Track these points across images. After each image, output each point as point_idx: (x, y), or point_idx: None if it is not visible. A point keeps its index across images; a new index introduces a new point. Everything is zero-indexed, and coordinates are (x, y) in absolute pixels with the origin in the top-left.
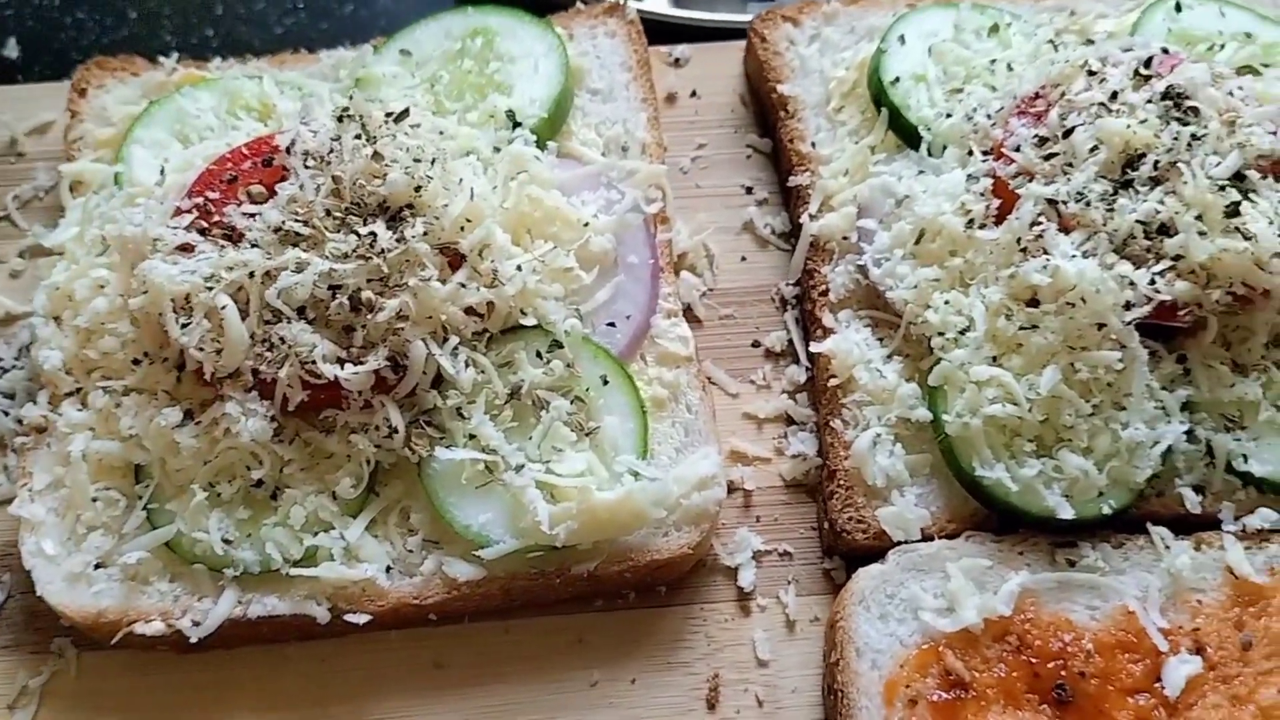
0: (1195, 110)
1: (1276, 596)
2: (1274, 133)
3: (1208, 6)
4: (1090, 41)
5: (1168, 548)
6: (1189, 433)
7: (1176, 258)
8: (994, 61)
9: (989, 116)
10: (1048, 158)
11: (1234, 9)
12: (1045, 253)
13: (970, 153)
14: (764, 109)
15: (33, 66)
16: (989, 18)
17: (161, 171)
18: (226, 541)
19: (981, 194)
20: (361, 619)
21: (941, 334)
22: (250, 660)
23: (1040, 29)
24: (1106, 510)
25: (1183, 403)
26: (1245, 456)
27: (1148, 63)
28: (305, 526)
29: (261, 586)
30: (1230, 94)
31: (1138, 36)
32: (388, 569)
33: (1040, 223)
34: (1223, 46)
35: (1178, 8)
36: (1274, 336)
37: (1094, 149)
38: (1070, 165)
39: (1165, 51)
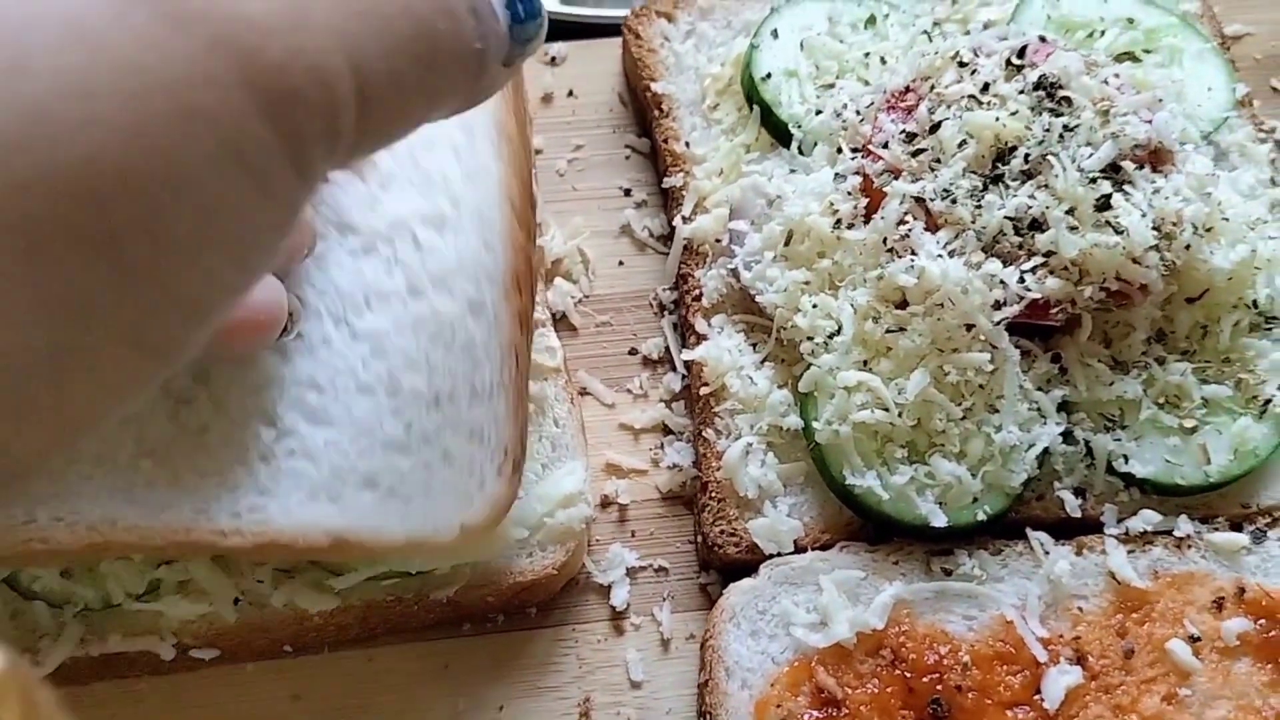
0: (1069, 100)
1: (1160, 601)
2: (1149, 121)
3: None
4: (969, 32)
5: (1047, 553)
6: (1067, 434)
7: (1048, 254)
8: (868, 55)
9: (858, 112)
10: (916, 154)
11: None
12: (912, 253)
13: (839, 150)
14: (642, 108)
15: None
16: (865, 9)
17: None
18: (65, 575)
19: (849, 193)
20: (209, 654)
21: (811, 338)
22: (103, 697)
23: (919, 19)
24: (981, 516)
25: (1060, 403)
26: (1126, 457)
27: (1020, 52)
28: (147, 559)
29: (105, 622)
30: (1105, 82)
31: (1013, 25)
32: (235, 601)
33: (906, 221)
34: (1103, 33)
35: None
36: (1156, 333)
37: (962, 144)
38: (939, 161)
39: (1043, 40)
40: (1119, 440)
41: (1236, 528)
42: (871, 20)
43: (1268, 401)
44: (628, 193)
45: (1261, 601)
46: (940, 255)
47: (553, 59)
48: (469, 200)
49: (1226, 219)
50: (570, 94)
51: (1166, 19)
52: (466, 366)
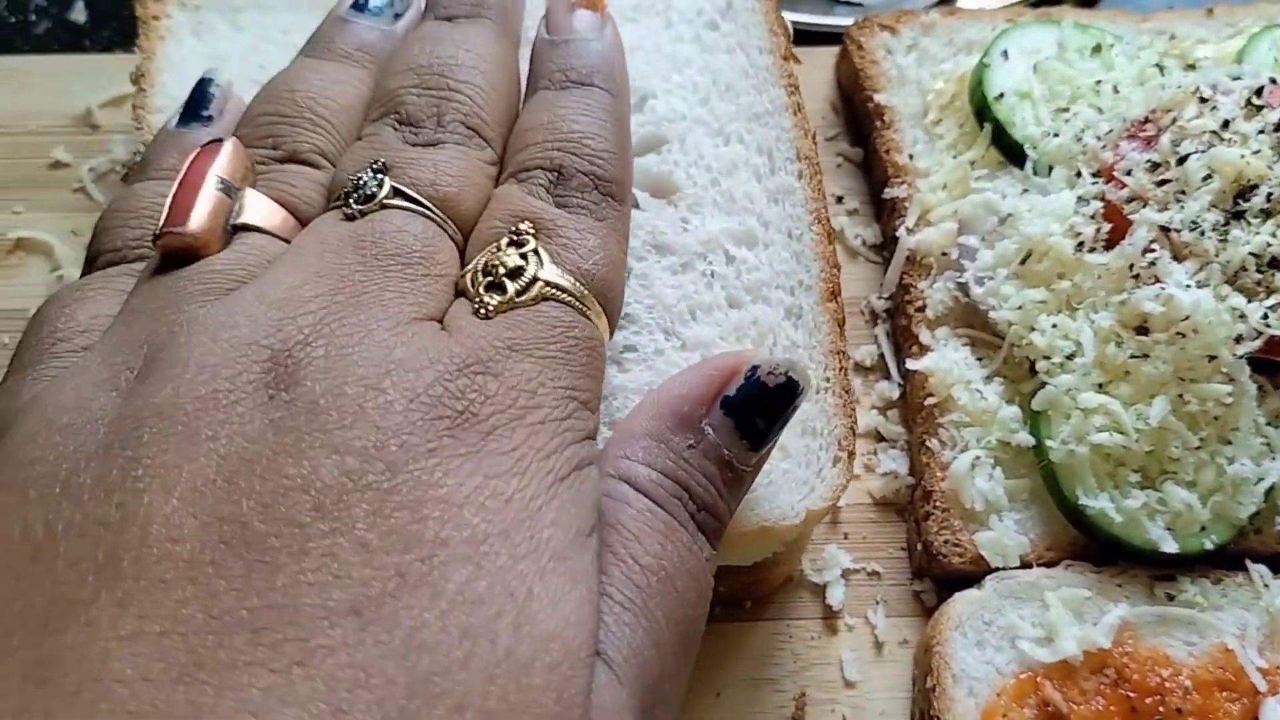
0: None
1: None
2: None
3: None
4: (1192, 66)
5: (1266, 586)
6: None
7: None
8: (1099, 82)
9: (1098, 138)
10: (1160, 184)
11: None
12: (1158, 280)
13: (1079, 174)
14: (857, 117)
15: (101, 31)
16: (1091, 37)
17: None
18: None
19: (1092, 216)
20: None
21: (1047, 358)
22: None
23: (1143, 51)
24: (1208, 545)
25: None
26: None
27: (1258, 92)
28: None
29: None
30: None
31: (1246, 65)
32: None
33: (1153, 249)
34: None
35: None
36: None
37: (1207, 178)
38: (1183, 193)
39: (1273, 82)
40: None
41: None
42: (1098, 48)
43: None
44: (840, 200)
45: None
46: (1189, 285)
47: None
48: (776, 218)
49: None
50: None
51: None
52: None
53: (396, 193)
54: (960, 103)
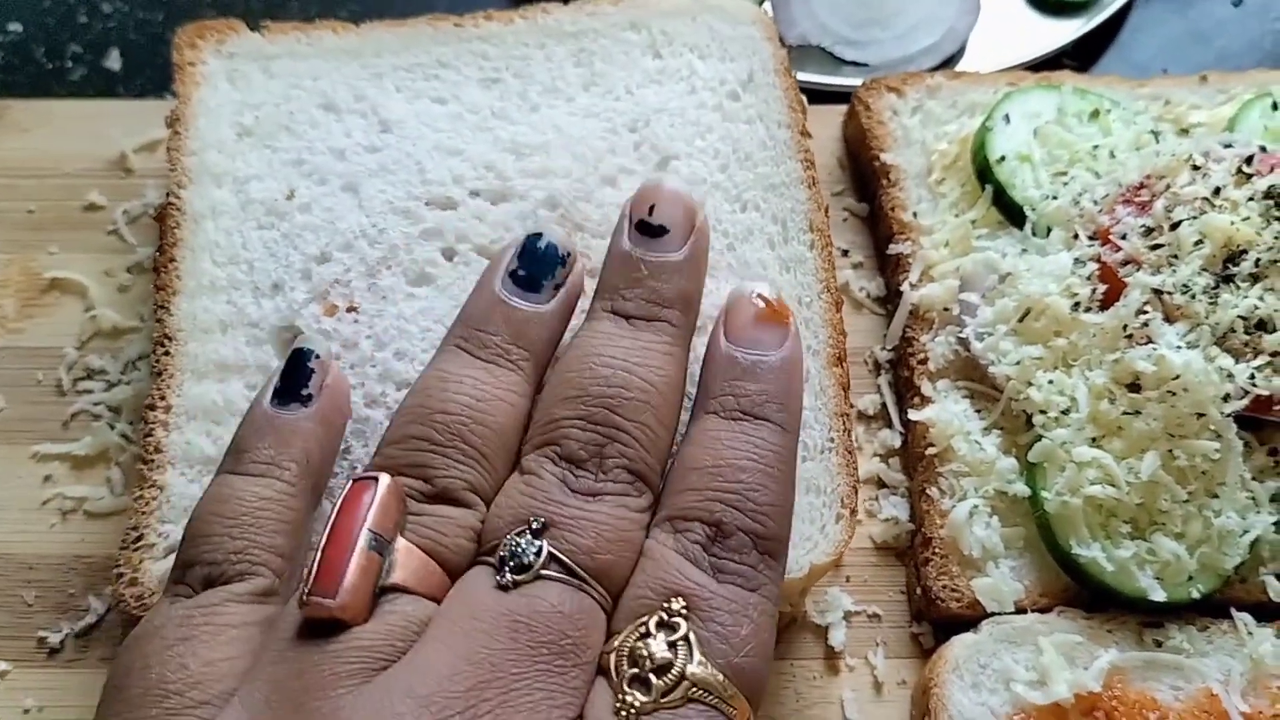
0: None
1: None
2: None
3: None
4: (1185, 131)
5: (1250, 633)
6: (1276, 523)
7: (1274, 354)
8: (1096, 147)
9: (1095, 202)
10: (1154, 248)
11: None
12: (1150, 340)
13: (1076, 236)
14: (863, 174)
15: (135, 79)
16: (1089, 102)
17: None
18: None
19: (1088, 278)
20: None
21: (1044, 412)
22: None
23: (1139, 116)
24: (1195, 594)
25: (1273, 495)
26: None
27: (1249, 160)
28: None
29: None
30: None
31: (1237, 134)
32: None
33: (1146, 311)
34: None
35: (1275, 106)
36: None
37: (1198, 243)
38: (1175, 257)
39: (1264, 150)
40: None
41: None
42: (1096, 114)
43: None
44: (845, 253)
45: None
46: (1180, 346)
47: None
48: (787, 286)
49: None
50: None
51: None
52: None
53: (553, 558)
54: (963, 163)
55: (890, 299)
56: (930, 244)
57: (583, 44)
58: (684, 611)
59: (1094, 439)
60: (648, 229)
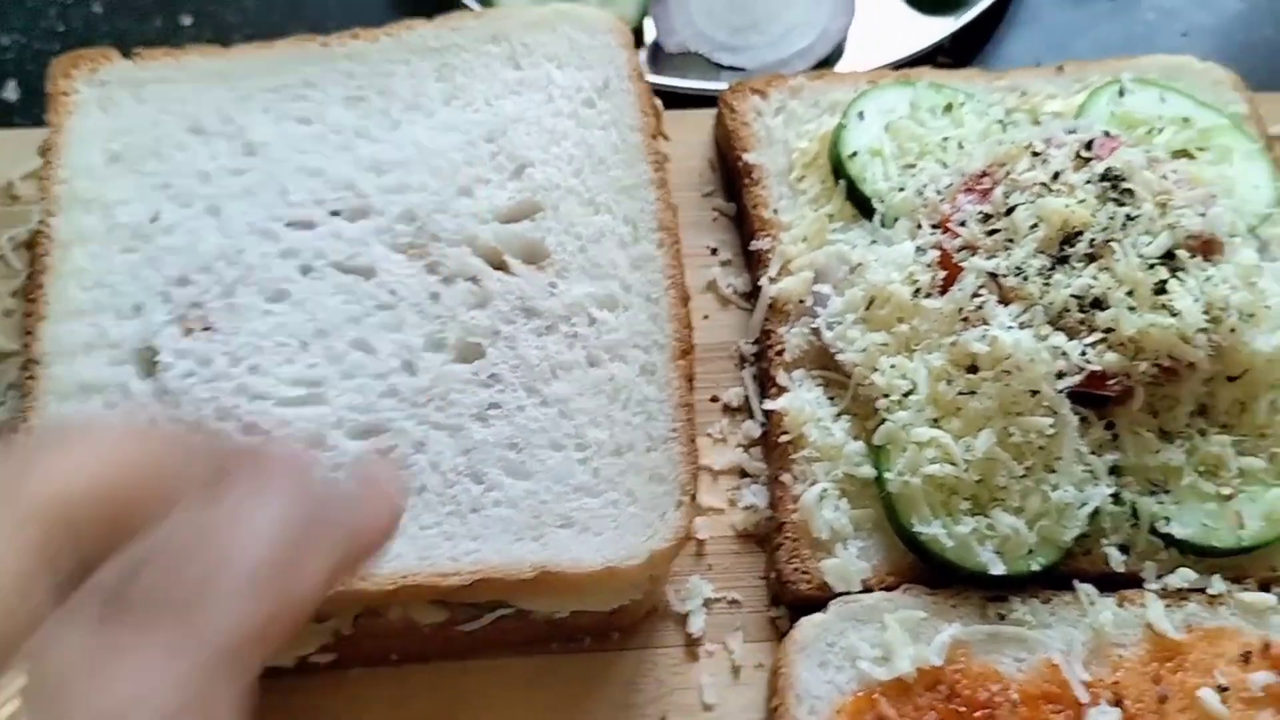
0: (1131, 192)
1: (1192, 653)
2: (1203, 214)
3: (1149, 92)
4: (1039, 121)
5: (1092, 604)
6: (1116, 495)
7: (1107, 330)
8: (946, 139)
9: (938, 192)
10: (991, 233)
11: (1174, 95)
12: (985, 323)
13: (920, 225)
14: (731, 174)
15: (31, 109)
16: (944, 96)
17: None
18: None
19: (928, 265)
20: (325, 658)
21: (887, 396)
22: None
23: (992, 108)
24: (1035, 567)
25: (1111, 467)
26: (1167, 519)
27: (1089, 145)
28: None
29: None
30: (1164, 177)
31: (1082, 119)
32: (356, 618)
33: (980, 294)
34: (1161, 130)
35: (1121, 93)
36: (1200, 406)
37: (1034, 226)
38: (1011, 241)
39: (1108, 135)
40: (1162, 503)
41: (1265, 588)
42: (949, 107)
43: None
44: (714, 251)
45: None
46: (1011, 326)
47: None
48: (636, 283)
49: (1269, 306)
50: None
51: (1218, 120)
52: (643, 420)
53: None
54: (822, 160)
55: (755, 294)
56: (789, 239)
57: (446, 58)
58: None
59: (935, 420)
60: None
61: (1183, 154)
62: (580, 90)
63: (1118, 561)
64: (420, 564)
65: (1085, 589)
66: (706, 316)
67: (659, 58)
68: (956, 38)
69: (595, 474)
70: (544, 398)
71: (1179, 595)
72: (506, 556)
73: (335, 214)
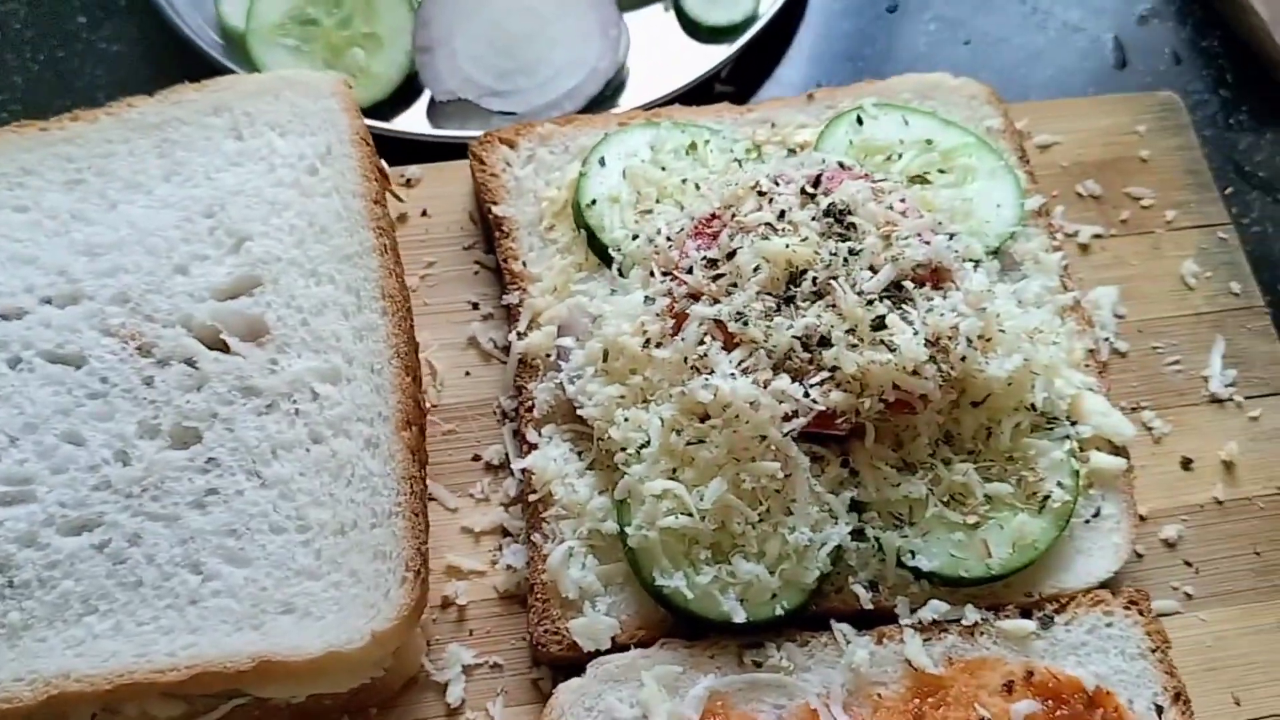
0: (854, 226)
1: (954, 686)
2: (927, 243)
3: (892, 116)
4: (793, 151)
5: (849, 643)
6: (860, 532)
7: (834, 369)
8: (685, 181)
9: (669, 239)
10: (716, 278)
11: (918, 116)
12: (711, 371)
13: (652, 274)
14: (488, 227)
15: None
16: (689, 135)
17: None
18: None
19: (658, 314)
20: None
21: (624, 449)
22: None
23: (737, 144)
24: (779, 611)
25: (854, 503)
26: (913, 552)
27: (816, 180)
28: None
29: None
30: (890, 208)
31: (816, 153)
32: (93, 716)
33: (705, 342)
34: (900, 155)
35: (859, 120)
36: (945, 434)
37: (758, 268)
38: (735, 285)
39: (843, 166)
40: (906, 537)
41: (1027, 615)
42: (694, 146)
43: (1046, 497)
44: (475, 306)
45: (1049, 684)
46: (733, 374)
47: (408, 180)
48: (360, 354)
49: (1004, 330)
50: (424, 213)
51: (964, 139)
52: (366, 496)
53: None
54: (570, 209)
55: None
56: (538, 291)
57: (166, 134)
58: None
59: (673, 471)
60: None
61: (919, 179)
62: (303, 158)
63: (865, 599)
64: (137, 661)
65: (842, 628)
66: (468, 373)
67: (434, 108)
68: (739, 68)
69: (317, 556)
70: (264, 480)
71: (937, 628)
72: (224, 649)
73: (46, 301)
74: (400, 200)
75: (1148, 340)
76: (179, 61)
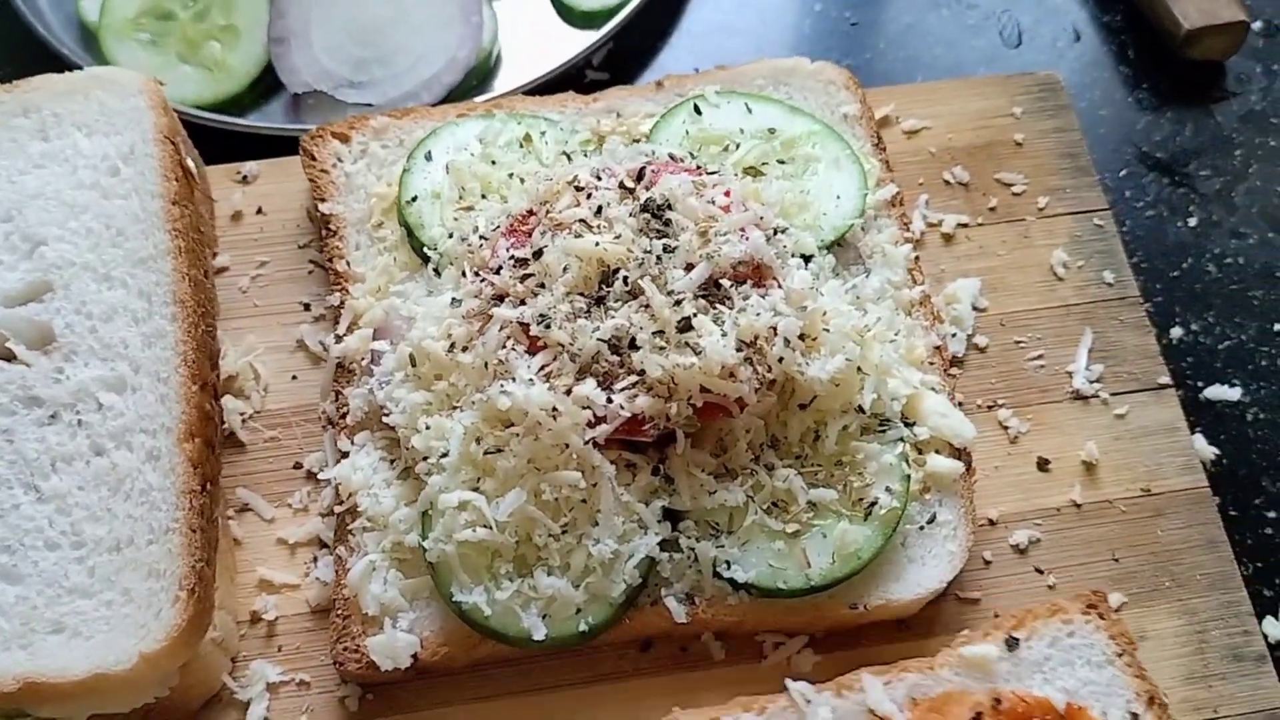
0: (671, 222)
1: None
2: (746, 239)
3: (734, 104)
4: (637, 142)
5: (809, 701)
6: (674, 542)
7: (642, 372)
8: (512, 175)
9: (483, 237)
10: (525, 278)
11: (763, 104)
12: (511, 377)
13: (464, 274)
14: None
15: None
16: (524, 127)
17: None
18: None
19: (464, 317)
20: None
21: (426, 458)
22: None
23: (575, 135)
24: (583, 627)
25: (670, 512)
26: (729, 563)
27: (640, 174)
28: None
29: None
30: (712, 202)
31: (647, 144)
32: None
33: (508, 346)
34: (738, 146)
35: (697, 109)
36: (771, 438)
37: (567, 268)
38: (543, 286)
39: (673, 158)
40: (722, 546)
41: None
42: (528, 138)
43: (873, 504)
44: (307, 307)
45: (1018, 709)
46: (531, 379)
47: (244, 177)
48: (147, 362)
49: (828, 329)
50: (259, 211)
51: (810, 127)
52: (145, 511)
53: None
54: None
55: None
56: (360, 292)
57: None
58: None
59: (476, 482)
60: None
61: (753, 171)
62: (105, 158)
63: (678, 612)
64: None
65: (798, 688)
66: (295, 377)
67: (297, 102)
68: (620, 53)
69: (91, 573)
70: (42, 494)
71: (897, 666)
72: None
73: None
74: (212, 200)
75: (1010, 334)
76: (39, 60)
